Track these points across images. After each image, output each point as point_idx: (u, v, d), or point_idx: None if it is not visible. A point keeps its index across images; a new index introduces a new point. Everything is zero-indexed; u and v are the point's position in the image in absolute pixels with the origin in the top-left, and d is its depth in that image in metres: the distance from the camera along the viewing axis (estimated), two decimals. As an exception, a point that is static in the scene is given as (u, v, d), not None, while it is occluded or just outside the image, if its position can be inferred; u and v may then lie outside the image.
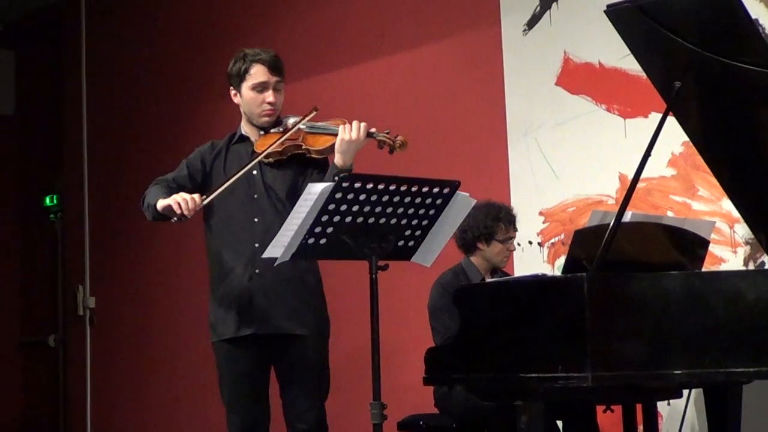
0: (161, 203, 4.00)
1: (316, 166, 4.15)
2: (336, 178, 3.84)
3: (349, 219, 3.45)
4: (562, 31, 5.28)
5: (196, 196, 3.95)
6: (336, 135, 3.98)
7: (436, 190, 3.52)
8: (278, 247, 3.53)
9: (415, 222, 3.57)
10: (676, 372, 3.21)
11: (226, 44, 6.85)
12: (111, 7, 7.75)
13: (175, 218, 3.92)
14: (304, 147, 4.06)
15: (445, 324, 4.62)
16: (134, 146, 7.50)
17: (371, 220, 3.48)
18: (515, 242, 5.01)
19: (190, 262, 6.92)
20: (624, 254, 3.48)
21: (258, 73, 4.15)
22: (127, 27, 7.63)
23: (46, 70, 8.27)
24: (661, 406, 4.64)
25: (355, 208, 3.43)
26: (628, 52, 3.72)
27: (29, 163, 8.42)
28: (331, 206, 3.40)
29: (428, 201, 3.54)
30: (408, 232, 3.60)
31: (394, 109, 5.78)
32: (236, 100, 4.24)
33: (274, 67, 4.17)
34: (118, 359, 7.50)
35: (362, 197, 3.42)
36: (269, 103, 4.14)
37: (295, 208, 3.46)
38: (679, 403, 4.53)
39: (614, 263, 3.33)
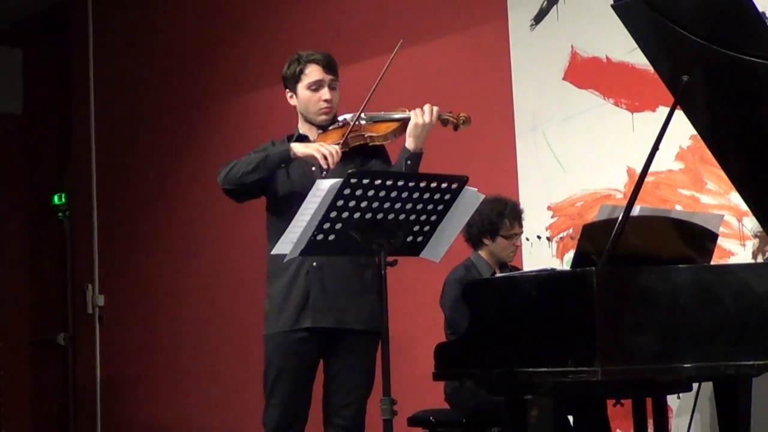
0: (300, 149, 4.03)
1: (377, 156, 4.18)
2: (408, 161, 3.93)
3: (357, 215, 3.45)
4: (569, 25, 5.28)
5: (338, 147, 3.98)
6: (397, 121, 4.07)
7: (444, 185, 3.52)
8: (287, 244, 3.53)
9: (423, 217, 3.57)
10: (685, 365, 3.22)
11: (234, 42, 6.86)
12: (118, 4, 7.75)
13: (324, 171, 3.90)
14: (367, 135, 4.09)
15: (466, 315, 4.61)
16: (142, 144, 7.51)
17: (379, 216, 3.47)
18: (524, 237, 5.00)
19: (198, 260, 6.93)
20: (633, 248, 3.48)
21: (313, 72, 4.20)
22: (134, 25, 7.63)
23: (54, 69, 8.29)
24: (671, 399, 4.64)
25: (364, 204, 3.43)
26: (636, 46, 3.72)
27: (37, 162, 8.43)
28: (340, 202, 3.40)
29: (436, 196, 3.54)
30: (416, 228, 3.59)
31: (402, 105, 5.76)
32: (292, 102, 4.27)
33: (329, 66, 4.23)
34: (127, 357, 7.52)
35: (370, 193, 3.42)
36: (326, 101, 4.18)
37: (303, 204, 3.46)
38: (688, 397, 4.53)
39: (623, 257, 3.33)
